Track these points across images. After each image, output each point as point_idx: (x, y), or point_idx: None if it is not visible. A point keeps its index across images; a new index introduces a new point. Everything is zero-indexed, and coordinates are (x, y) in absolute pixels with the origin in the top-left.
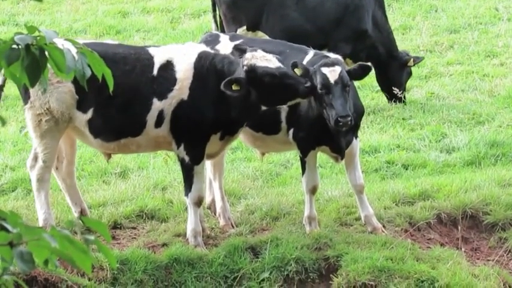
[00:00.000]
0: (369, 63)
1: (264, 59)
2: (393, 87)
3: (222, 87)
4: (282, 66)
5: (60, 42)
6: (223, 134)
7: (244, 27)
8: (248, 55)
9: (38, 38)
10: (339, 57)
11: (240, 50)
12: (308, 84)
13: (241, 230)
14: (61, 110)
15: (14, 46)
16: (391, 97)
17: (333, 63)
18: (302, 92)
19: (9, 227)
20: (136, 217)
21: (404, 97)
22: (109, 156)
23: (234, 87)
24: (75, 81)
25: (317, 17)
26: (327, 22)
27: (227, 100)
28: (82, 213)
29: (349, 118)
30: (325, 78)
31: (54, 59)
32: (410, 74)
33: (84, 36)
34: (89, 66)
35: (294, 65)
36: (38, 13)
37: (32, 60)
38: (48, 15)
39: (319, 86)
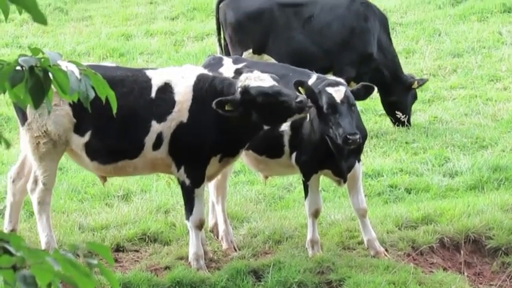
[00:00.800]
0: (367, 84)
1: (258, 79)
2: (396, 111)
3: (213, 105)
4: (275, 84)
5: (64, 65)
6: (222, 156)
7: (250, 50)
8: (242, 77)
9: (42, 59)
10: (342, 81)
11: (239, 73)
12: (299, 99)
13: (243, 253)
14: (58, 133)
15: (18, 68)
16: (396, 120)
17: (337, 83)
18: (295, 108)
19: (12, 250)
20: (139, 240)
21: (409, 120)
22: (104, 179)
23: (228, 107)
24: (72, 104)
25: (323, 39)
26: (333, 45)
27: (227, 122)
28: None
29: (358, 136)
30: (331, 97)
31: (58, 80)
32: (415, 97)
33: (88, 58)
34: (92, 88)
35: (299, 84)
36: (42, 35)
37: (36, 82)
38: (51, 38)
39: (325, 106)
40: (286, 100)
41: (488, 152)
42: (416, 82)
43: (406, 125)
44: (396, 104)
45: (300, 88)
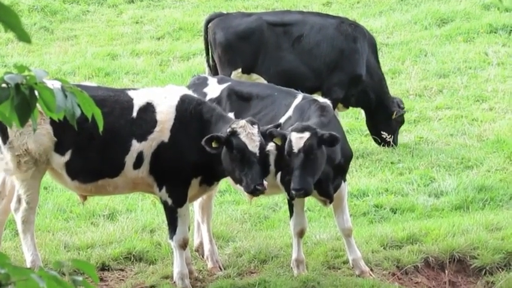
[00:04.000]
0: (335, 134)
1: (250, 137)
2: (381, 132)
3: (202, 142)
4: (257, 154)
5: (49, 83)
6: (203, 179)
7: (240, 70)
8: (241, 122)
9: (28, 77)
10: (327, 101)
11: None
12: (259, 187)
13: (229, 272)
14: (39, 152)
15: (4, 85)
16: (381, 140)
17: (303, 129)
18: (247, 189)
19: None
20: (124, 259)
21: (395, 141)
22: (85, 198)
23: (214, 144)
24: (53, 123)
25: (313, 60)
26: (323, 65)
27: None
28: None
29: (302, 192)
30: (289, 145)
31: (44, 98)
32: (401, 122)
33: (73, 78)
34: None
35: (272, 135)
36: (27, 54)
37: (21, 100)
38: (37, 57)
39: (286, 151)
40: (250, 176)
41: (474, 172)
42: (395, 113)
43: (392, 145)
44: (380, 126)
45: (275, 139)
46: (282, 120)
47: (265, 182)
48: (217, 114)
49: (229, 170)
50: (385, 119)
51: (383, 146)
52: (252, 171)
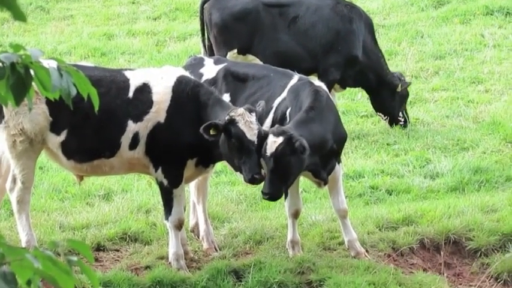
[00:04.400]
0: (303, 144)
1: (248, 125)
2: (386, 112)
3: (201, 130)
4: (255, 142)
5: (45, 62)
6: (198, 161)
7: (235, 51)
8: (240, 110)
9: (24, 56)
10: (322, 85)
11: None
12: (257, 176)
13: (224, 253)
14: (34, 132)
15: None
16: (391, 121)
17: (279, 133)
18: (245, 178)
19: None
20: (119, 239)
21: (405, 119)
22: (81, 178)
23: (212, 131)
24: (48, 103)
25: (308, 41)
26: (318, 46)
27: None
28: None
29: (268, 197)
30: (264, 148)
31: (40, 77)
32: (406, 96)
33: (69, 58)
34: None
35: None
36: (23, 34)
37: (17, 79)
38: (33, 37)
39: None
40: (248, 165)
41: (469, 154)
42: (400, 85)
43: (401, 125)
44: (385, 105)
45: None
46: (277, 101)
47: (262, 171)
48: (214, 98)
49: (227, 158)
50: (389, 95)
51: (395, 125)
52: (250, 160)
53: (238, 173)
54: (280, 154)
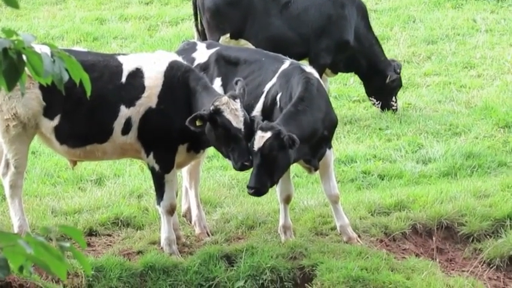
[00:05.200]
0: (296, 138)
1: (234, 113)
2: (378, 97)
3: (187, 123)
4: (242, 129)
5: (37, 47)
6: (189, 146)
7: (228, 35)
8: (224, 99)
9: (16, 41)
10: (314, 72)
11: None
12: (247, 163)
13: (216, 238)
14: (28, 116)
15: None
16: (383, 106)
17: (267, 128)
18: (234, 165)
19: None
20: (111, 224)
21: (393, 106)
22: (74, 163)
23: (198, 122)
24: (42, 88)
25: (300, 25)
26: (310, 31)
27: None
28: None
29: (254, 191)
30: (252, 143)
31: (32, 63)
32: (399, 85)
33: (62, 42)
34: (66, 70)
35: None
36: (15, 19)
37: (9, 64)
38: (25, 21)
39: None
40: (237, 152)
41: (462, 139)
42: (389, 77)
43: (393, 110)
44: (376, 91)
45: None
46: (268, 85)
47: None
48: (202, 84)
49: (215, 146)
50: (380, 83)
51: (386, 110)
52: (238, 147)
53: (227, 160)
54: (267, 149)
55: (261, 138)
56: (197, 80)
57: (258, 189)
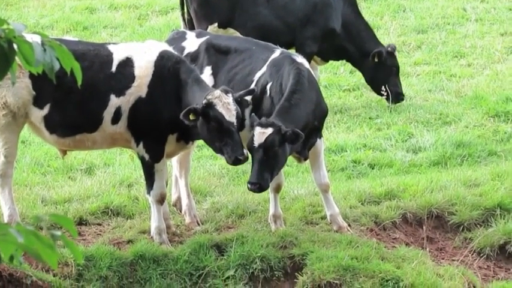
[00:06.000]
0: (298, 132)
1: (226, 107)
2: (377, 84)
3: (181, 116)
4: (235, 123)
5: (28, 36)
6: (179, 137)
7: (216, 25)
8: (216, 93)
9: (7, 31)
10: (305, 62)
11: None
12: (240, 157)
13: (206, 227)
14: (17, 105)
15: None
16: (387, 96)
17: (267, 124)
18: (229, 160)
19: None
20: (101, 213)
21: (388, 94)
22: (64, 152)
23: (191, 116)
24: (32, 77)
25: (286, 14)
26: (296, 20)
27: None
28: None
29: (257, 186)
30: (251, 140)
31: (23, 52)
32: (395, 68)
33: (51, 32)
34: (57, 59)
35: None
36: (5, 8)
37: (0, 53)
38: (15, 11)
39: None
40: (230, 147)
41: (452, 128)
42: (374, 56)
43: (401, 99)
44: (373, 77)
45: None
46: (257, 74)
47: (245, 151)
48: (193, 77)
49: (208, 141)
50: (374, 70)
51: (387, 98)
52: (232, 141)
53: (220, 155)
54: (269, 144)
55: (261, 134)
56: (188, 73)
57: (261, 185)
